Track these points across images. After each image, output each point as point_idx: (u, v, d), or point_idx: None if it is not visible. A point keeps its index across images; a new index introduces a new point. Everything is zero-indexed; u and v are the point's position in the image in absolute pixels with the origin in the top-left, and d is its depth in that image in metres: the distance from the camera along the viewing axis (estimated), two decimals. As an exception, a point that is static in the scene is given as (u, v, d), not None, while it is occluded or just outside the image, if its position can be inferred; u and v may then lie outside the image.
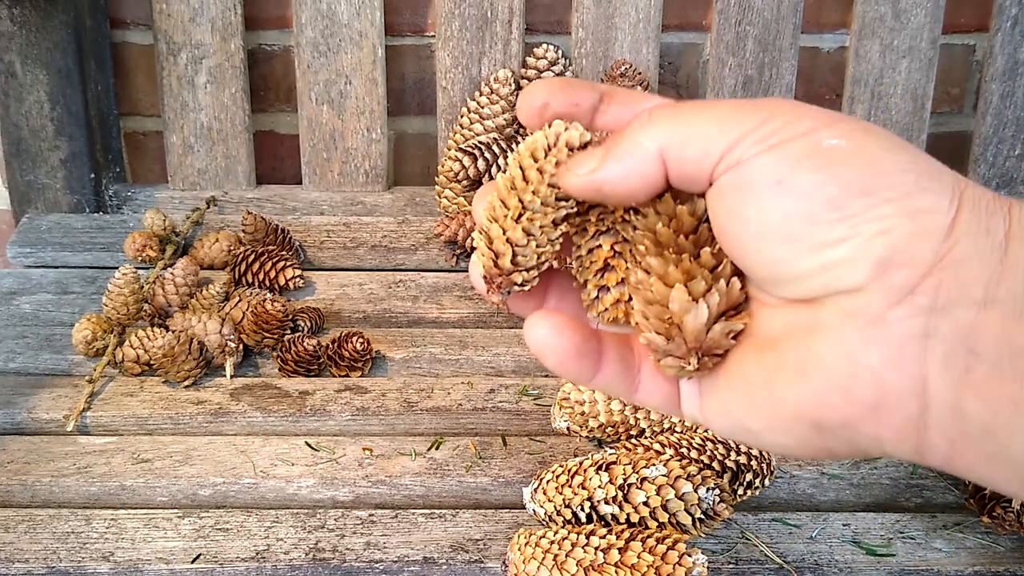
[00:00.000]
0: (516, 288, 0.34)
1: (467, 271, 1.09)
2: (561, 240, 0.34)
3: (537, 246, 0.34)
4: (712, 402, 0.33)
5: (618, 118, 0.33)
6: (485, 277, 0.34)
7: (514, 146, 1.07)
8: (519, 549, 0.68)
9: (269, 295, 0.99)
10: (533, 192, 0.33)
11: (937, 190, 0.28)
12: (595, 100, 0.33)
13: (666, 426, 0.81)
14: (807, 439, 0.31)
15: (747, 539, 0.73)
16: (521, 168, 0.33)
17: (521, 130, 1.14)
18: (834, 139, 0.29)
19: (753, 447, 0.75)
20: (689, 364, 0.32)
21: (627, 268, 0.34)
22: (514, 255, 0.34)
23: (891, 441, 0.29)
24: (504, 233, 0.33)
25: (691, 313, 0.31)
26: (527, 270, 0.34)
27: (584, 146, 0.33)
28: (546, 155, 0.33)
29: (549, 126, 0.33)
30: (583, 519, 0.70)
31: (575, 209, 0.34)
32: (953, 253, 0.28)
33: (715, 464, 0.74)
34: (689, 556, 0.65)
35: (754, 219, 0.30)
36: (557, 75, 1.12)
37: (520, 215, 0.33)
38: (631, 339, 0.35)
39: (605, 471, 0.71)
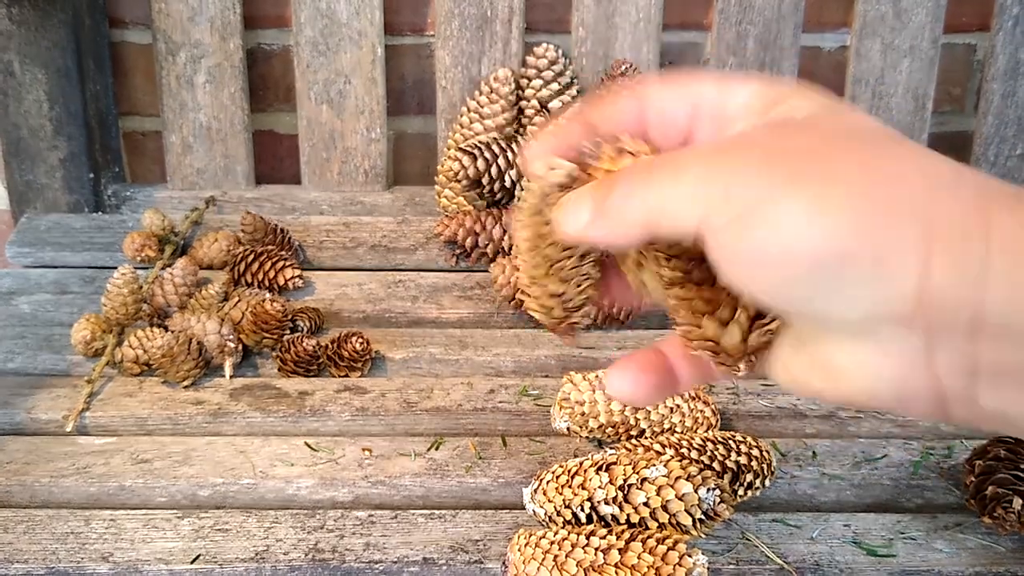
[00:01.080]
0: (579, 325, 0.39)
1: (467, 271, 1.10)
2: (596, 268, 0.38)
3: (577, 286, 0.37)
4: (767, 368, 0.36)
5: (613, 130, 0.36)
6: (551, 329, 0.39)
7: (514, 146, 1.07)
8: (519, 549, 0.67)
9: (268, 295, 0.99)
10: (550, 244, 0.36)
11: (903, 239, 0.29)
12: (583, 134, 0.36)
13: (666, 427, 0.81)
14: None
15: (747, 540, 0.72)
16: (533, 224, 0.36)
17: (521, 130, 1.14)
18: (796, 206, 0.29)
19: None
20: (739, 370, 0.35)
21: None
22: (562, 303, 0.38)
23: (920, 417, 0.35)
24: (546, 288, 0.38)
25: (725, 336, 0.34)
26: (578, 308, 0.38)
27: (574, 180, 0.35)
28: (547, 204, 0.35)
29: (538, 176, 0.35)
30: (583, 519, 0.70)
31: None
32: (932, 305, 0.29)
33: (715, 464, 0.74)
34: (689, 557, 0.65)
35: (749, 287, 0.32)
36: (557, 75, 1.12)
37: (550, 268, 0.37)
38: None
39: (605, 471, 0.70)
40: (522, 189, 0.36)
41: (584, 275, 0.37)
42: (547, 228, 0.36)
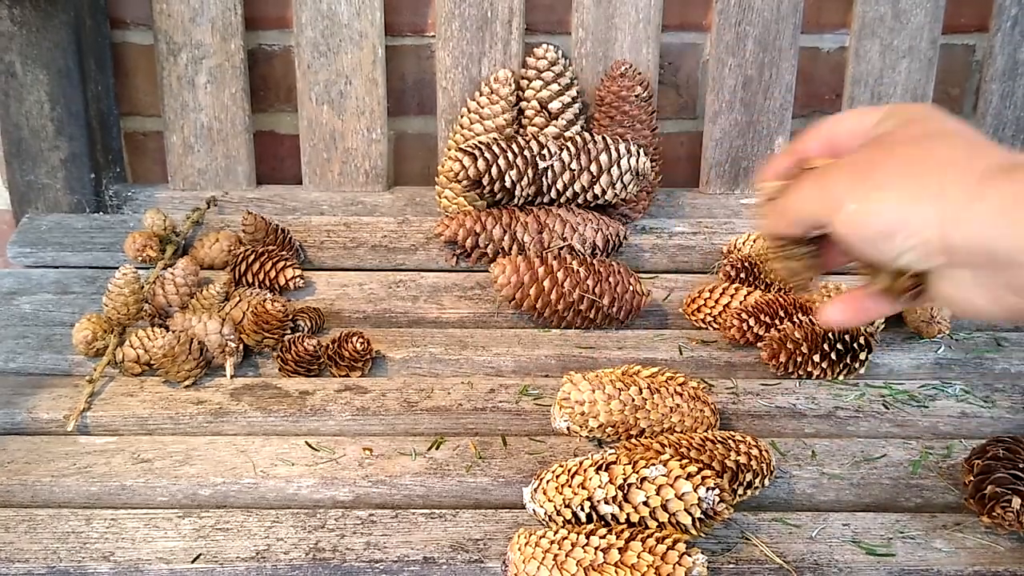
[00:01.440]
0: (809, 282, 0.63)
1: (467, 271, 1.10)
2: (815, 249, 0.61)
3: (803, 262, 0.61)
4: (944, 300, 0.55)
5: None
6: (791, 287, 0.70)
7: (514, 146, 1.07)
8: (519, 549, 0.68)
9: (269, 295, 0.99)
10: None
11: (925, 214, 0.50)
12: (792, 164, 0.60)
13: (666, 426, 0.81)
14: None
15: (747, 539, 0.73)
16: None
17: (521, 131, 1.14)
18: (853, 204, 0.53)
19: None
20: (904, 302, 0.58)
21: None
22: (795, 273, 0.62)
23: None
24: (787, 263, 0.62)
25: (889, 283, 0.57)
26: (802, 274, 0.62)
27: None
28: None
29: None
30: (583, 519, 0.70)
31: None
32: (954, 246, 0.50)
33: (715, 464, 0.74)
34: (689, 556, 0.65)
35: (859, 253, 0.56)
36: (556, 76, 1.12)
37: (782, 248, 0.61)
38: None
39: (605, 471, 0.71)
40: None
41: (807, 252, 0.60)
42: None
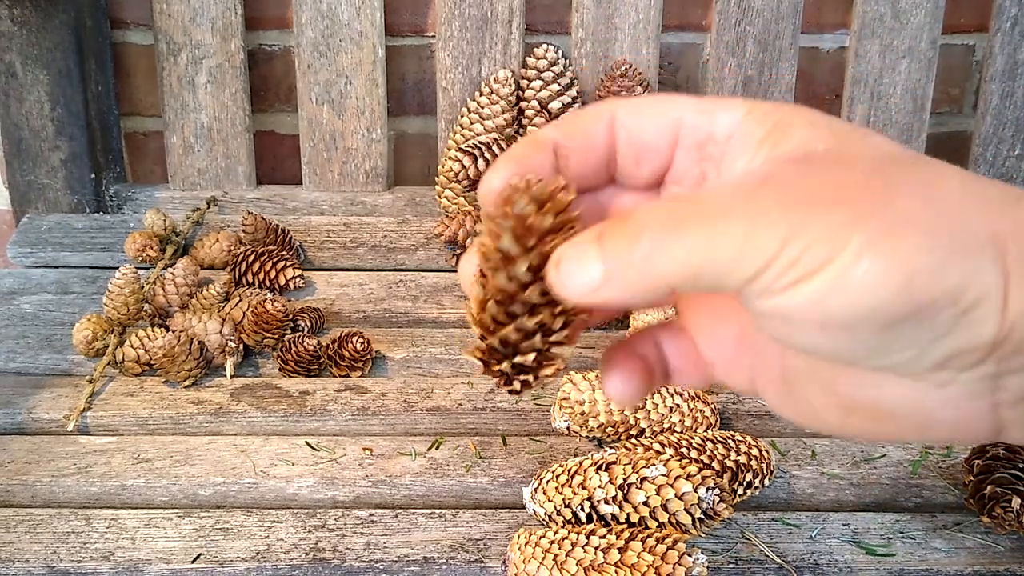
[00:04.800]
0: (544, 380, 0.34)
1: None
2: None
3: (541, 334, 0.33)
4: (781, 410, 0.34)
5: (581, 169, 0.33)
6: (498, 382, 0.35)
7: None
8: (519, 549, 0.68)
9: (269, 295, 0.99)
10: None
11: (981, 272, 0.26)
12: (551, 158, 0.33)
13: (666, 426, 0.81)
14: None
15: (747, 539, 0.73)
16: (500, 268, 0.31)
17: (521, 131, 1.14)
18: (864, 265, 0.26)
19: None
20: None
21: None
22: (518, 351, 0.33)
23: (969, 444, 0.32)
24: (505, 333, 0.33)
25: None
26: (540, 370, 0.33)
27: (551, 195, 0.30)
28: (523, 248, 0.30)
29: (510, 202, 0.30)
30: (583, 519, 0.70)
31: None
32: (1012, 332, 0.27)
33: (715, 464, 0.74)
34: (689, 556, 0.65)
35: (801, 345, 0.29)
36: (556, 76, 1.12)
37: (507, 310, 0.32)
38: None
39: (605, 471, 0.71)
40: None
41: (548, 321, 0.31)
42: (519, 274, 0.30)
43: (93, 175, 1.16)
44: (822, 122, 0.30)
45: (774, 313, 0.28)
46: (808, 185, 0.28)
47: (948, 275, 0.26)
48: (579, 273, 0.29)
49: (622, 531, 0.68)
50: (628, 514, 0.69)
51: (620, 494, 0.69)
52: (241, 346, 0.94)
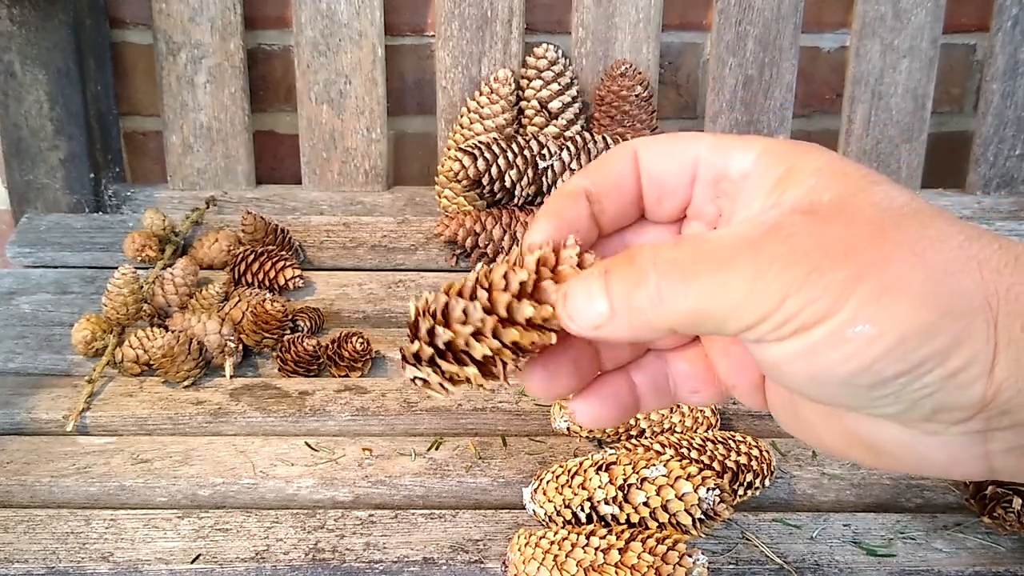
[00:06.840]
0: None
1: (467, 271, 1.09)
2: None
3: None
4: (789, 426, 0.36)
5: (616, 211, 0.36)
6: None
7: (514, 146, 1.07)
8: (519, 549, 0.68)
9: (269, 295, 0.99)
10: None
11: (971, 336, 0.28)
12: (586, 207, 0.35)
13: (666, 426, 0.81)
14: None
15: (747, 539, 0.73)
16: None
17: (521, 130, 1.14)
18: (858, 325, 0.28)
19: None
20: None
21: None
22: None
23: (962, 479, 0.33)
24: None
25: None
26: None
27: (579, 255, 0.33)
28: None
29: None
30: (583, 519, 0.70)
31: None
32: (998, 394, 0.28)
33: (715, 464, 0.74)
34: (689, 556, 0.65)
35: (793, 388, 0.31)
36: (556, 76, 1.12)
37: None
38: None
39: (605, 471, 0.71)
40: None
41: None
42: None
43: (92, 175, 1.16)
44: (833, 167, 0.31)
45: (765, 359, 0.30)
46: (811, 240, 0.29)
47: (938, 338, 0.27)
48: (586, 308, 0.31)
49: (622, 532, 0.67)
50: (628, 515, 0.69)
51: (620, 495, 0.69)
52: (240, 346, 0.94)
